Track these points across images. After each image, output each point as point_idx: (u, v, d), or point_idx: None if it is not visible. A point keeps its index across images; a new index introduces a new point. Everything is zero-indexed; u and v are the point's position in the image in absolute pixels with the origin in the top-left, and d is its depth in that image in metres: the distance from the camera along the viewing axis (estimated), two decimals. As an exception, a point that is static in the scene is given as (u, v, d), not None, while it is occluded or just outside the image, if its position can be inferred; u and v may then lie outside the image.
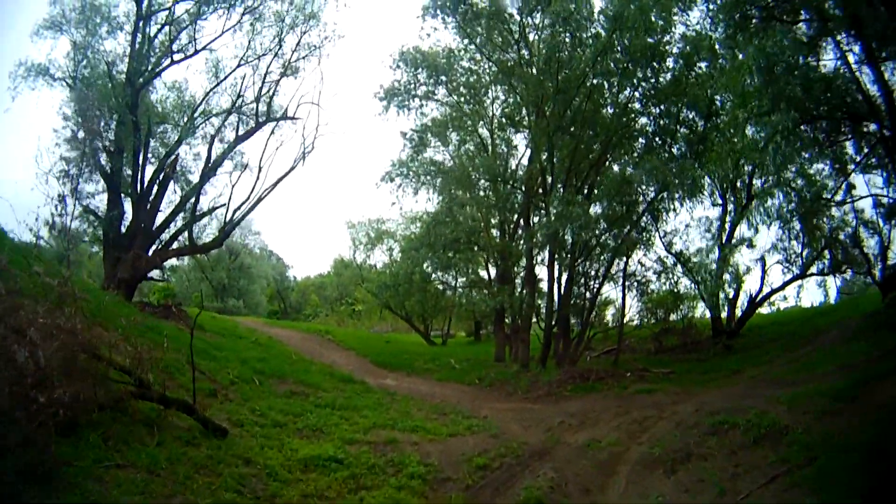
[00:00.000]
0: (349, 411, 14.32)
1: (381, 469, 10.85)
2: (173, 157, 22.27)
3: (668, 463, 10.56)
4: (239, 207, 23.81)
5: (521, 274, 26.38)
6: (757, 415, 10.77)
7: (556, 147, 21.35)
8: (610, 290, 24.87)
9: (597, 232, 20.66)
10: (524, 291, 24.02)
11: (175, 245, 23.72)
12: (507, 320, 26.33)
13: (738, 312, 25.01)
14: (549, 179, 21.68)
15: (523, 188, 24.21)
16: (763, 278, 24.43)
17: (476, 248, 28.10)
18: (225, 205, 23.49)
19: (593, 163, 22.56)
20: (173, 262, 31.49)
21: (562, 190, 20.86)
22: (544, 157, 21.73)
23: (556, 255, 21.94)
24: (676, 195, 20.68)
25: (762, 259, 24.46)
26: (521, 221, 25.68)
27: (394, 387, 19.02)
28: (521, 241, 25.20)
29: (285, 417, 12.78)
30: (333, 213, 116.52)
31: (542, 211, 21.95)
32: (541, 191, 22.49)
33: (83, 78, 20.08)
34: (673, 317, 25.95)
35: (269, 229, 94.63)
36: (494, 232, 27.33)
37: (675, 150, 21.59)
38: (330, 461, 10.75)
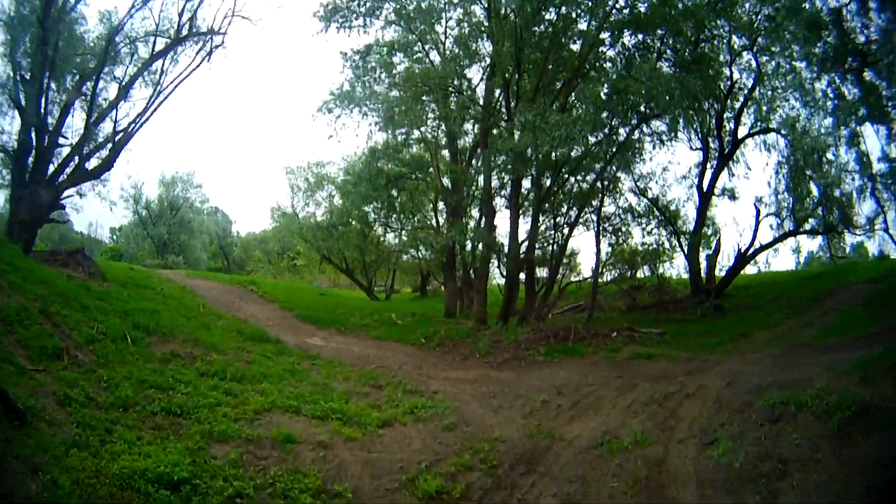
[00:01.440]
0: (244, 383, 9.79)
1: (245, 508, 5.76)
2: (81, 81, 18.62)
3: (761, 480, 6.11)
4: (134, 121, 19.12)
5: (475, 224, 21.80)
6: (824, 390, 7.28)
7: (526, 51, 17.04)
8: (578, 235, 20.37)
9: (580, 150, 15.63)
10: (480, 227, 19.42)
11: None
12: (458, 271, 21.47)
13: (719, 270, 22.00)
14: (516, 90, 17.29)
15: (481, 106, 19.90)
16: (756, 231, 21.02)
17: (424, 184, 23.36)
18: (124, 129, 19.14)
19: (566, 80, 18.10)
20: (120, 220, 26.31)
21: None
22: (509, 69, 17.09)
23: (519, 189, 17.64)
24: (675, 115, 16.13)
25: (756, 209, 21.10)
26: (477, 151, 21.14)
27: (318, 347, 14.45)
28: (478, 169, 20.35)
29: (143, 393, 8.28)
30: (280, 165, 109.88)
31: (504, 132, 17.36)
32: (503, 111, 18.28)
33: (18, 15, 17.74)
34: (641, 274, 22.35)
35: (217, 185, 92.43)
36: (445, 181, 22.24)
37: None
38: (160, 484, 5.70)
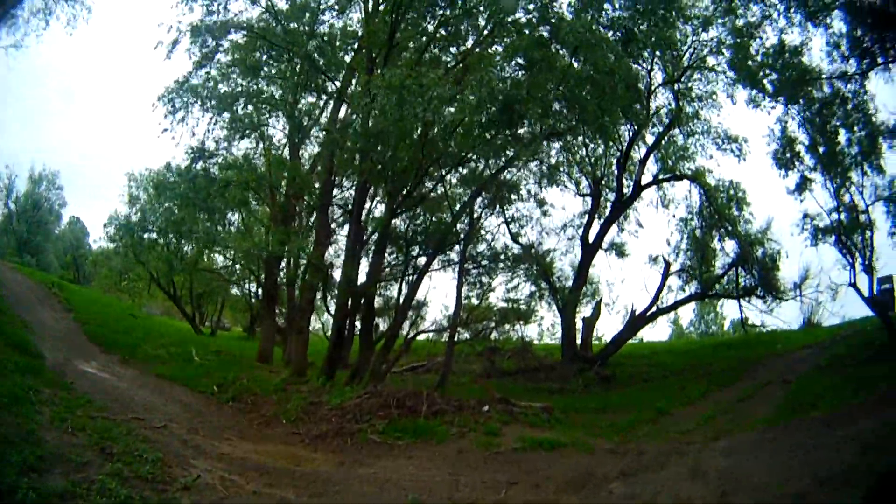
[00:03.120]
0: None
1: None
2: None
3: None
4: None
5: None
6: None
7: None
8: (434, 271, 16.43)
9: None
10: (311, 241, 15.08)
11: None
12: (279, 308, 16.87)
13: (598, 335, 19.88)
14: (385, 56, 12.90)
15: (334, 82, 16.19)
16: (660, 290, 18.00)
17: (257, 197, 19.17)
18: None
19: (462, 57, 14.28)
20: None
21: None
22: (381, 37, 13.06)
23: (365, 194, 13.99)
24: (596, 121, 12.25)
25: (666, 265, 18.22)
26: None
27: (81, 375, 10.75)
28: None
29: None
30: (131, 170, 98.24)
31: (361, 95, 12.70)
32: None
33: None
34: (495, 335, 17.90)
35: (84, 191, 79.22)
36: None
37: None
38: None
